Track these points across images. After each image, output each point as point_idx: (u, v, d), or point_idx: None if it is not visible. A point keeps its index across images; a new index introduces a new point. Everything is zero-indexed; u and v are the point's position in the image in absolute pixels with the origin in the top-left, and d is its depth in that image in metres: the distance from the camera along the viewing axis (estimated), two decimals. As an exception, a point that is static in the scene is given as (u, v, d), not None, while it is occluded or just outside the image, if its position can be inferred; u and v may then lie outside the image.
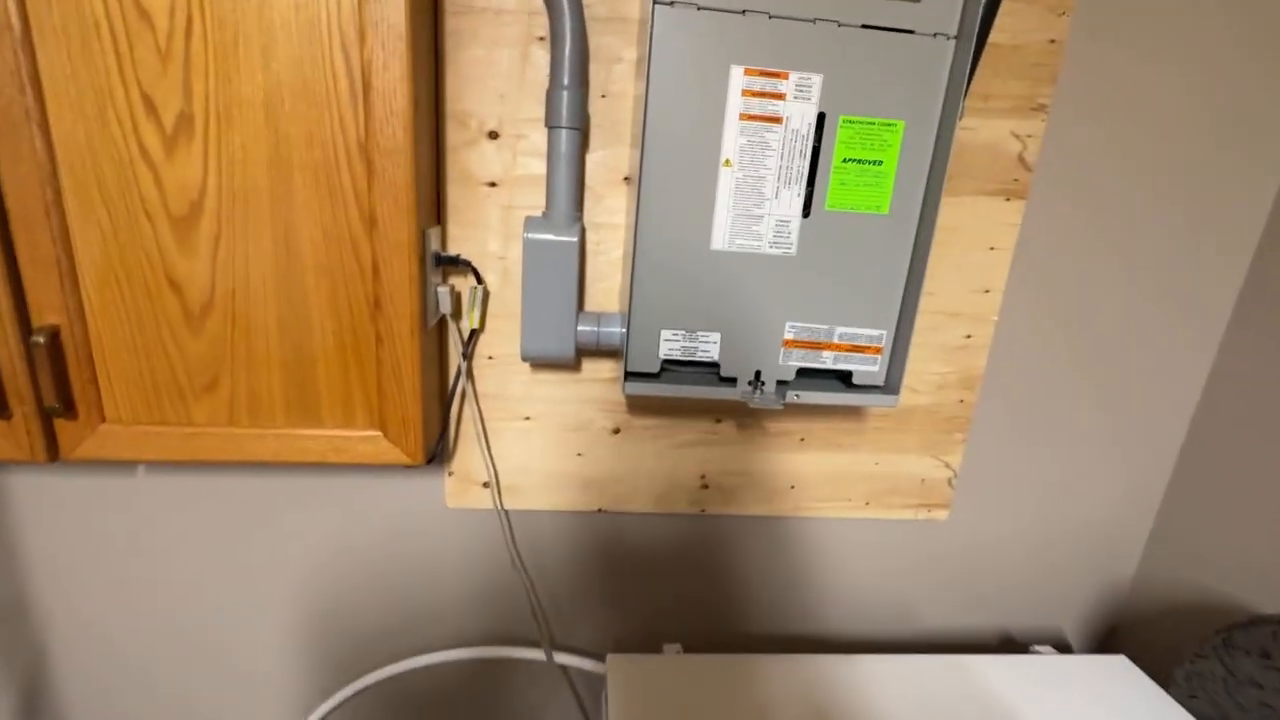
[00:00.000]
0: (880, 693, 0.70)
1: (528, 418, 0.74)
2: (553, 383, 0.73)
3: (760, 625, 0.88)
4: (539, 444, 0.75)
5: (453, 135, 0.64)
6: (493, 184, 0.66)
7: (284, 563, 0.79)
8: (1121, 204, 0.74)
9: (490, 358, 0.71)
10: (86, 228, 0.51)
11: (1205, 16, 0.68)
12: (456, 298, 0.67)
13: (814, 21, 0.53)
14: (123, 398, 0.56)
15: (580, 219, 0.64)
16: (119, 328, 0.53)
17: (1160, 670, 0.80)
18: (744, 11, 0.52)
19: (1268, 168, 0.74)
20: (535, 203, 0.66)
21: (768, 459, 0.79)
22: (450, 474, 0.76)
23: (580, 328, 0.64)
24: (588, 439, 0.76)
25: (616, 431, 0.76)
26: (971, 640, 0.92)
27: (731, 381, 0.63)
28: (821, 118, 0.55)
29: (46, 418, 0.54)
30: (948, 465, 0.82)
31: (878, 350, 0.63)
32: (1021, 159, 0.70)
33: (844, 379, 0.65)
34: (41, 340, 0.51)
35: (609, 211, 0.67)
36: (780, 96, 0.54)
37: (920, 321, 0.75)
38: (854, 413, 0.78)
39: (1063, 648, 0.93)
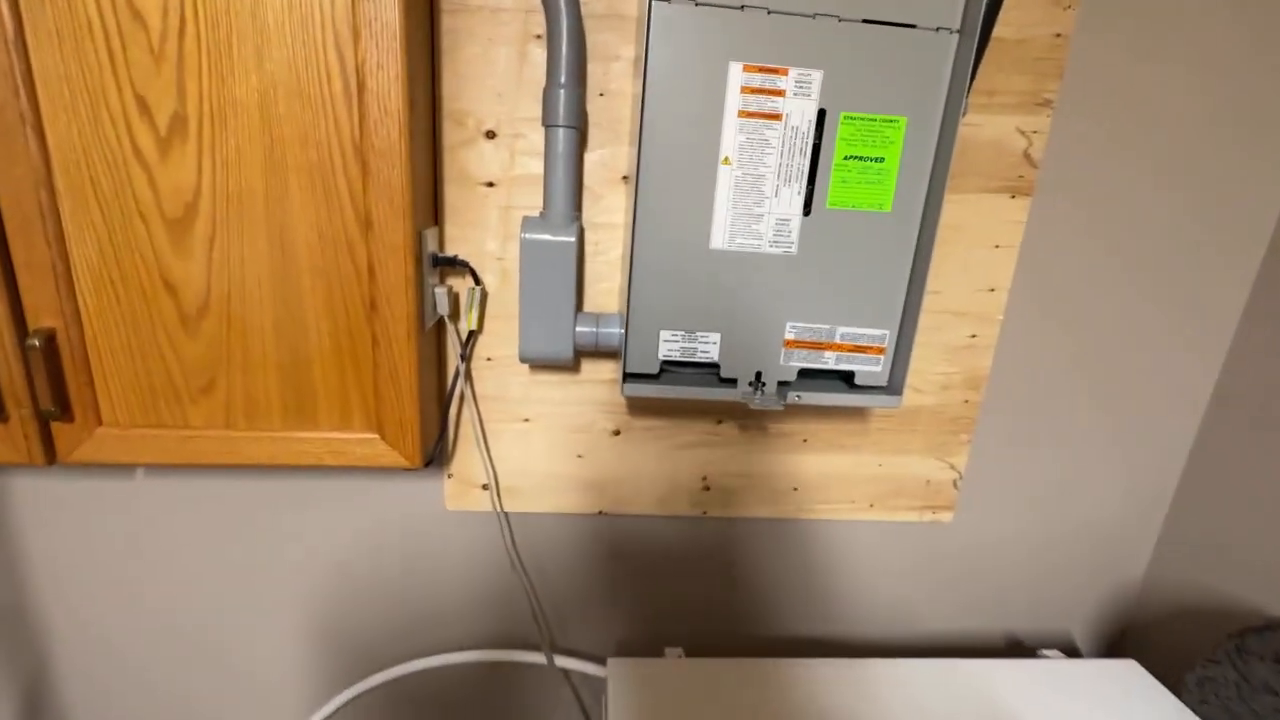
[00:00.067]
0: (884, 698, 0.69)
1: (527, 419, 0.73)
2: (552, 384, 0.72)
3: (763, 629, 0.87)
4: (539, 446, 0.75)
5: (450, 135, 0.64)
6: (490, 184, 0.65)
7: (284, 565, 0.79)
8: (1129, 201, 0.73)
9: (489, 359, 0.71)
10: (81, 230, 0.51)
11: (1214, 10, 0.67)
12: (454, 299, 0.67)
13: (814, 16, 0.52)
14: (119, 401, 0.55)
15: (578, 219, 0.64)
16: (115, 330, 0.53)
17: (1171, 675, 0.79)
18: (742, 7, 0.51)
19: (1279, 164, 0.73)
20: (534, 203, 0.66)
21: (770, 460, 0.78)
22: (449, 476, 0.75)
23: (579, 329, 0.63)
24: (588, 441, 0.75)
25: (617, 433, 0.75)
26: (978, 644, 0.91)
27: (732, 382, 0.62)
28: (822, 114, 0.54)
29: (43, 421, 0.54)
30: (953, 466, 0.81)
31: (880, 350, 0.62)
32: (1027, 155, 0.69)
33: (846, 379, 0.64)
34: (37, 343, 0.51)
35: (608, 211, 0.67)
36: (780, 93, 0.54)
37: (924, 321, 0.74)
38: (857, 414, 0.77)
39: (1071, 651, 0.92)
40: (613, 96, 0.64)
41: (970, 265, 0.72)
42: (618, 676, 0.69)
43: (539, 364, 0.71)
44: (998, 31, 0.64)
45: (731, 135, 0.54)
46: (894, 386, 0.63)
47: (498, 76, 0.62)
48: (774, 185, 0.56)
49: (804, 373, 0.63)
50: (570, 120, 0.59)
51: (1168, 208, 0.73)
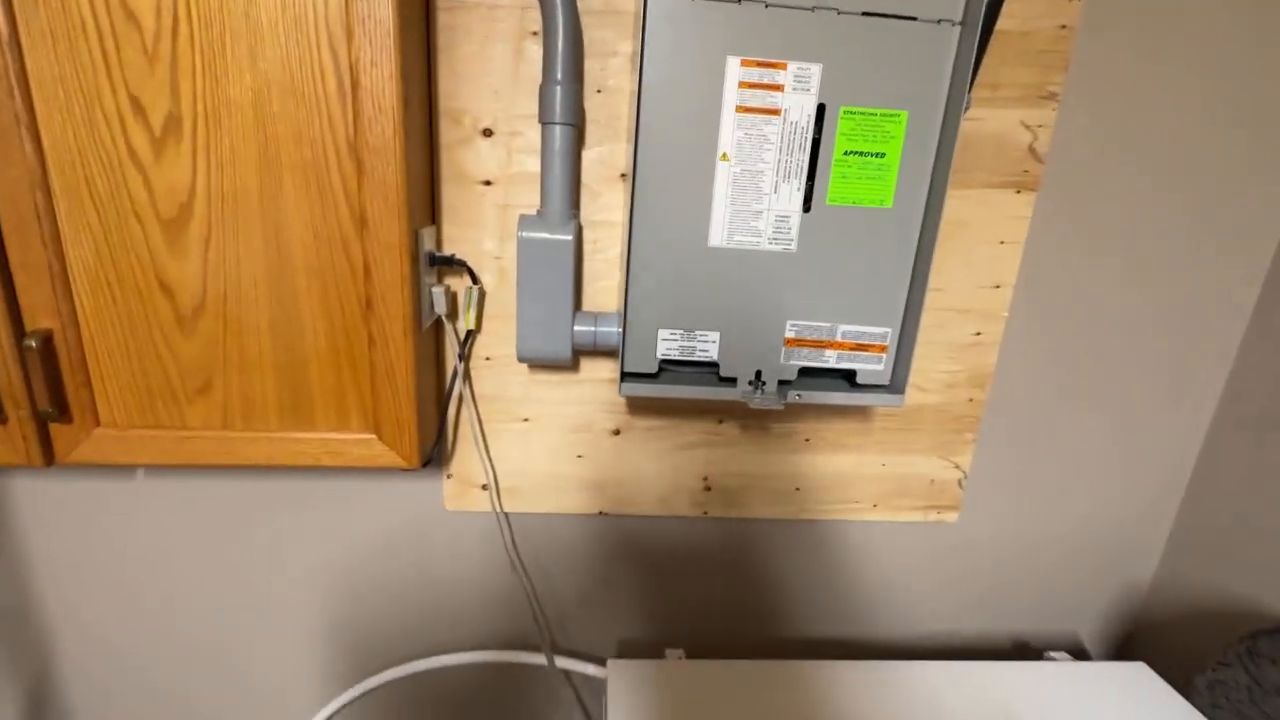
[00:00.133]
0: (886, 700, 0.68)
1: (526, 419, 0.73)
2: (551, 384, 0.72)
3: (766, 630, 0.86)
4: (538, 446, 0.74)
5: (446, 133, 0.63)
6: (488, 182, 0.65)
7: (283, 566, 0.79)
8: (1136, 195, 0.72)
9: (488, 359, 0.70)
10: (77, 231, 0.51)
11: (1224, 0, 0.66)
12: (452, 298, 0.67)
13: (813, 9, 0.51)
14: (117, 401, 0.55)
15: (576, 217, 0.63)
16: (111, 331, 0.53)
17: (1181, 678, 0.77)
18: (740, 0, 0.51)
19: (1292, 155, 0.71)
20: (531, 201, 0.65)
21: (772, 460, 0.77)
22: (449, 477, 0.75)
23: (577, 328, 0.63)
24: (588, 440, 0.75)
25: (617, 433, 0.75)
26: (984, 646, 0.90)
27: (731, 382, 0.61)
28: (821, 109, 0.54)
29: (41, 422, 0.54)
30: (957, 466, 0.80)
31: (882, 348, 0.61)
32: (1032, 150, 0.68)
33: (848, 378, 0.63)
34: (34, 344, 0.51)
35: (606, 209, 0.66)
36: (778, 88, 0.53)
37: (927, 319, 0.73)
38: (860, 413, 0.76)
39: (1079, 654, 0.90)
40: (610, 93, 0.63)
41: (974, 262, 0.71)
42: (617, 678, 0.68)
43: (537, 363, 0.70)
44: (1001, 24, 0.63)
45: (730, 131, 0.54)
46: (896, 385, 0.62)
47: (494, 74, 0.62)
48: (773, 181, 0.55)
49: (805, 371, 0.62)
50: (567, 117, 0.58)
51: (1176, 202, 0.72)
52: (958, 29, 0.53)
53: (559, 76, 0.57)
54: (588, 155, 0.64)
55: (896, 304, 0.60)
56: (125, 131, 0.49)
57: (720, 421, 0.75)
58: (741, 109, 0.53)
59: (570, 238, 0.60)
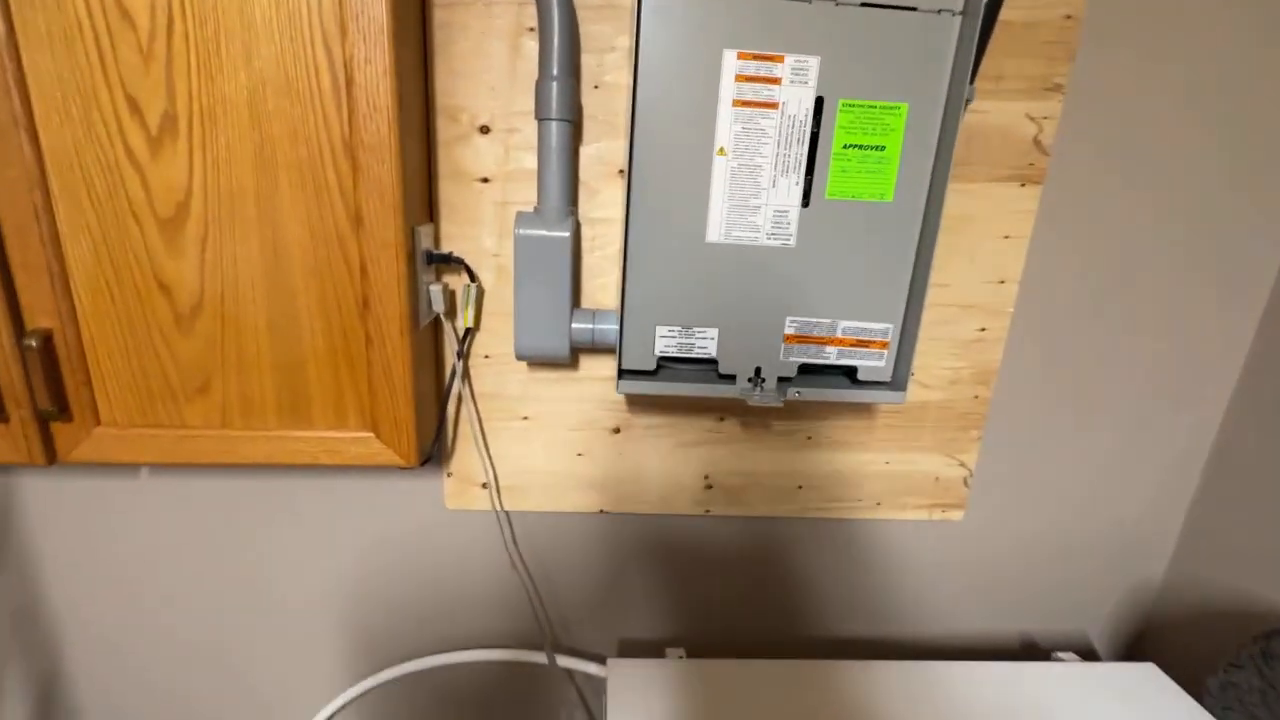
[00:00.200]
0: (890, 700, 0.67)
1: (526, 417, 0.73)
2: (551, 381, 0.72)
3: (768, 629, 0.85)
4: (538, 444, 0.74)
5: (444, 130, 0.63)
6: (486, 179, 0.65)
7: (285, 565, 0.79)
8: (1144, 188, 0.70)
9: (487, 357, 0.70)
10: (76, 231, 0.51)
11: (1235, -14, 0.64)
12: (450, 296, 0.66)
13: (810, 1, 0.50)
14: (117, 400, 0.56)
15: (574, 214, 0.63)
16: (111, 330, 0.53)
17: (1192, 679, 0.76)
18: (736, -7, 0.50)
19: (1306, 146, 0.70)
20: (530, 198, 0.65)
21: (774, 458, 0.77)
22: (449, 475, 0.75)
23: (575, 325, 0.63)
24: (588, 439, 0.74)
25: (617, 431, 0.74)
26: (991, 645, 0.88)
27: (730, 379, 0.61)
28: (820, 102, 0.53)
29: (42, 421, 0.54)
30: (963, 464, 0.79)
31: (883, 345, 0.60)
32: (1037, 142, 0.67)
33: (849, 375, 0.63)
34: (34, 343, 0.51)
35: (605, 206, 0.66)
36: (775, 81, 0.52)
37: (931, 314, 0.72)
38: (863, 410, 0.75)
39: (1088, 654, 0.89)
40: (608, 89, 0.62)
41: (978, 257, 0.70)
42: (617, 677, 0.68)
43: (535, 361, 0.70)
44: (1005, 14, 0.62)
45: (726, 125, 0.53)
46: (898, 382, 0.61)
47: (491, 71, 0.62)
48: (771, 176, 0.55)
49: (805, 368, 0.62)
50: (563, 113, 0.58)
51: (1184, 195, 0.71)
52: (958, 19, 0.52)
53: (555, 72, 0.57)
54: (586, 151, 0.64)
55: (898, 299, 0.59)
56: (122, 131, 0.49)
57: (721, 419, 0.75)
58: (738, 103, 0.52)
59: (567, 234, 0.60)
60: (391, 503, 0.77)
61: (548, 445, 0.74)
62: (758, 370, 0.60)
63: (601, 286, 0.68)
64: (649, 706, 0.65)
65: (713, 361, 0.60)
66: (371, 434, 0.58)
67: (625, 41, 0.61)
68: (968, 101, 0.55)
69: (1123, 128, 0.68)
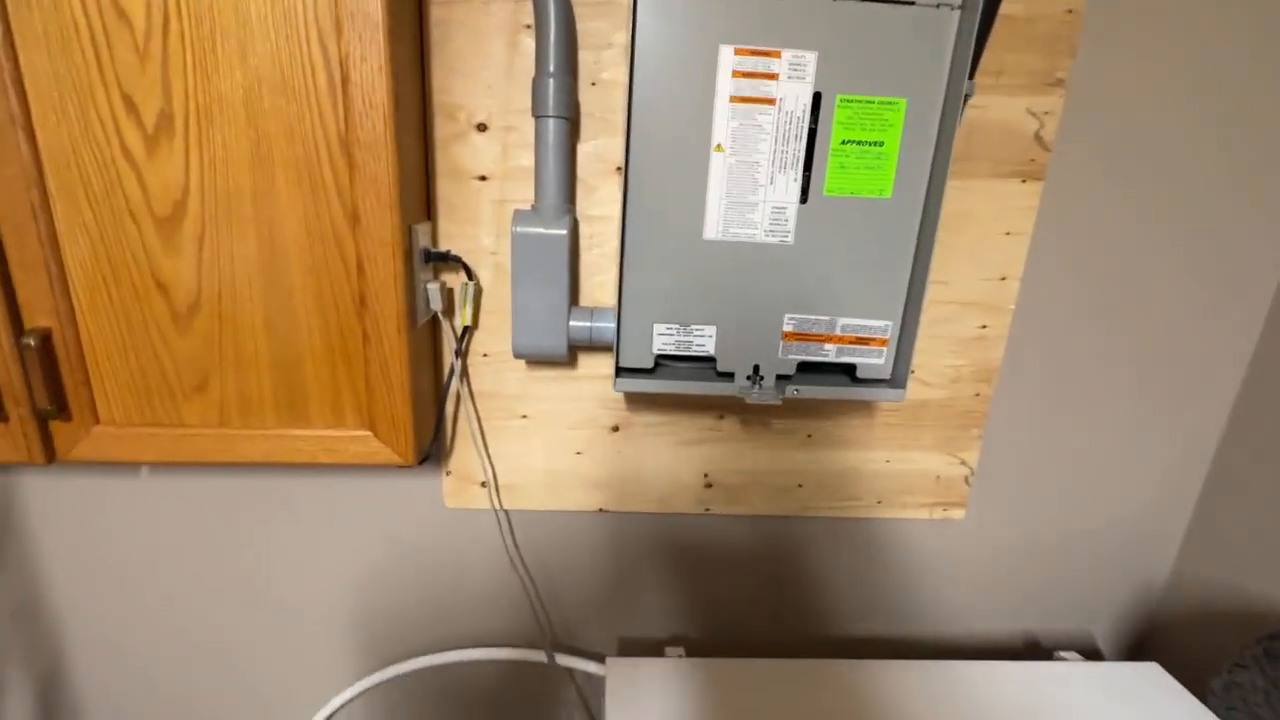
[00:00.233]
0: (889, 700, 0.67)
1: (525, 416, 0.73)
2: (550, 380, 0.72)
3: (768, 628, 0.85)
4: (537, 442, 0.74)
5: (441, 128, 0.63)
6: (483, 178, 0.64)
7: (284, 564, 0.79)
8: (1148, 184, 0.70)
9: (485, 355, 0.70)
10: (74, 230, 0.51)
11: (1239, -22, 0.63)
12: (448, 294, 0.66)
13: (807, -4, 0.50)
14: (115, 399, 0.56)
15: (571, 211, 0.63)
16: (109, 329, 0.54)
17: (1196, 680, 0.75)
18: (732, -12, 0.50)
19: (1312, 140, 0.69)
20: (528, 196, 0.65)
21: (774, 457, 0.76)
22: (448, 474, 0.75)
23: (572, 323, 0.62)
24: (587, 437, 0.74)
25: (616, 429, 0.74)
26: (993, 645, 0.88)
27: (729, 376, 0.60)
28: (817, 98, 0.53)
29: (42, 420, 0.54)
30: (964, 462, 0.78)
31: (883, 342, 0.60)
32: (1038, 138, 0.66)
33: (848, 373, 0.62)
34: (33, 342, 0.51)
35: (603, 203, 0.66)
36: (773, 77, 0.52)
37: (932, 312, 0.71)
38: (863, 408, 0.75)
39: (1091, 654, 0.88)
40: (605, 86, 0.62)
41: (979, 254, 0.70)
42: (616, 676, 0.68)
43: (533, 359, 0.70)
44: (1006, 8, 0.61)
45: (723, 121, 0.53)
46: (897, 379, 0.61)
47: (488, 68, 0.61)
48: (769, 172, 0.54)
49: (804, 366, 0.61)
50: (560, 110, 0.58)
51: (1189, 191, 0.70)
52: (957, 13, 0.51)
53: (551, 69, 0.56)
54: (583, 149, 0.64)
55: (897, 296, 0.58)
56: (119, 130, 0.49)
57: (721, 417, 0.74)
58: (735, 99, 0.52)
59: (564, 232, 0.60)
60: (391, 502, 0.77)
61: (547, 444, 0.74)
62: (756, 368, 0.60)
63: (600, 284, 0.68)
64: (647, 705, 0.65)
65: (711, 359, 0.60)
66: (369, 432, 0.58)
67: (623, 38, 0.61)
68: (967, 97, 0.54)
69: (1125, 123, 0.67)
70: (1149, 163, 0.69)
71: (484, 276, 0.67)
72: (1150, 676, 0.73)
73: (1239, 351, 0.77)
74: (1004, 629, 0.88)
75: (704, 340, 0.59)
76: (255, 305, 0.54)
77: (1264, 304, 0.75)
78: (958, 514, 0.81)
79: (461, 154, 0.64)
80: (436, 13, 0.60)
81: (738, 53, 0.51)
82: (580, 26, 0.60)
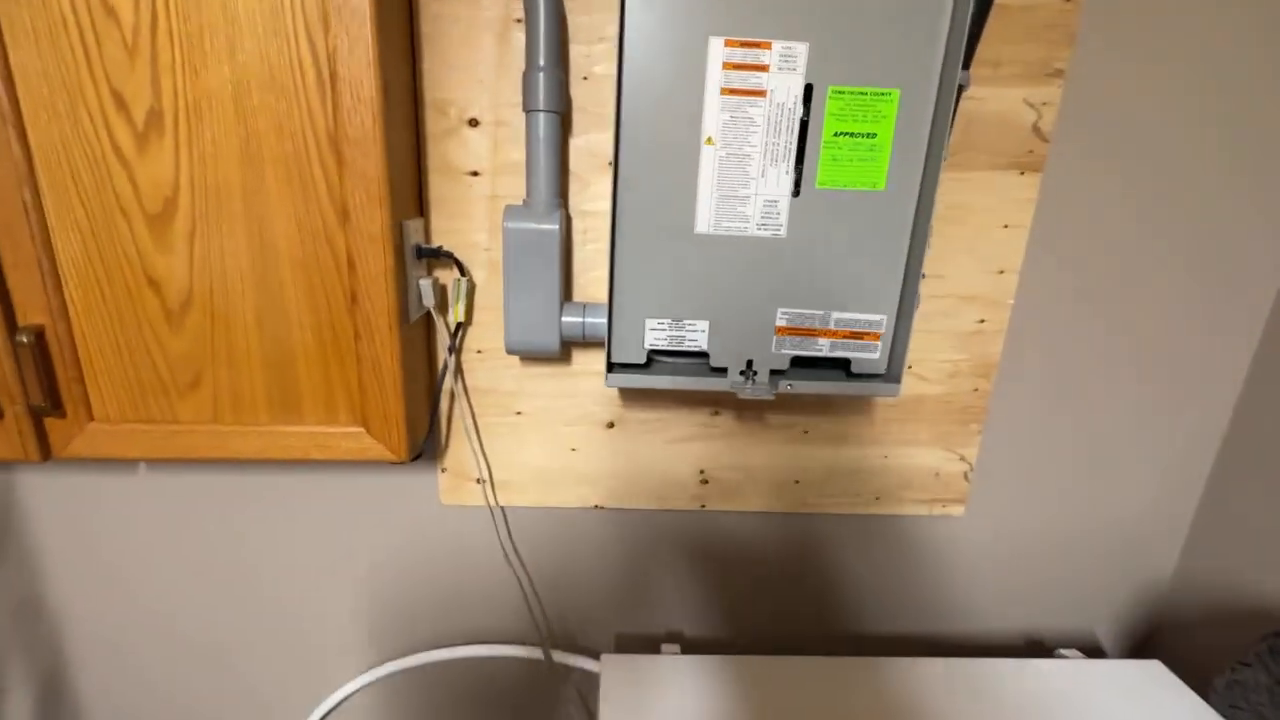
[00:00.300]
0: (888, 698, 0.66)
1: (520, 412, 0.73)
2: (544, 376, 0.71)
3: (764, 625, 0.85)
4: (532, 439, 0.74)
5: (432, 124, 0.63)
6: (475, 173, 0.64)
7: (279, 561, 0.79)
8: (1150, 174, 0.68)
9: (479, 352, 0.70)
10: (65, 228, 0.51)
11: (1242, -35, 0.62)
12: (441, 291, 0.66)
13: (797, -14, 0.50)
14: (109, 396, 0.56)
15: (564, 206, 0.62)
16: (102, 326, 0.54)
17: (1199, 678, 0.74)
18: (721, -21, 0.49)
19: (1318, 129, 0.68)
20: (520, 191, 0.65)
21: (770, 453, 0.76)
22: (443, 470, 0.75)
23: (565, 318, 0.62)
24: (582, 434, 0.74)
25: (611, 425, 0.74)
26: (994, 643, 0.87)
27: (722, 372, 0.60)
28: (809, 89, 0.52)
29: (36, 417, 0.55)
30: (963, 458, 0.77)
31: (877, 336, 0.59)
32: (1036, 129, 0.65)
33: (843, 367, 0.62)
34: (26, 340, 0.52)
35: (596, 198, 0.65)
36: (763, 68, 0.51)
37: (929, 306, 0.70)
38: (861, 404, 0.74)
39: (1096, 652, 0.88)
40: (597, 80, 0.62)
41: (977, 247, 0.69)
42: (611, 673, 0.67)
43: (526, 355, 0.70)
44: (1002, -2, 0.61)
45: (714, 114, 0.52)
46: (893, 374, 0.60)
47: (479, 63, 0.61)
48: (760, 165, 0.54)
49: (798, 361, 0.61)
50: (551, 105, 0.57)
51: (1190, 184, 0.69)
52: (951, 2, 0.50)
53: (541, 62, 0.56)
54: (575, 143, 0.64)
55: (891, 290, 0.58)
56: (109, 127, 0.49)
57: (716, 413, 0.74)
58: (726, 91, 0.52)
59: (556, 227, 0.59)
60: (386, 498, 0.77)
61: (542, 440, 0.74)
62: (749, 363, 0.59)
63: (595, 280, 0.68)
64: (642, 702, 0.64)
65: (704, 354, 0.60)
66: (362, 429, 0.58)
67: (614, 32, 0.61)
68: (962, 87, 0.54)
69: (1124, 114, 0.66)
70: (1148, 154, 0.68)
71: (477, 273, 0.67)
72: (1153, 674, 0.72)
73: (1241, 348, 0.76)
74: (1005, 626, 0.87)
75: (697, 335, 0.59)
76: (247, 302, 0.54)
77: (1269, 297, 0.74)
78: (957, 510, 0.80)
79: (453, 149, 0.64)
80: (427, 7, 0.60)
81: (728, 44, 0.51)
82: (571, 20, 0.60)
